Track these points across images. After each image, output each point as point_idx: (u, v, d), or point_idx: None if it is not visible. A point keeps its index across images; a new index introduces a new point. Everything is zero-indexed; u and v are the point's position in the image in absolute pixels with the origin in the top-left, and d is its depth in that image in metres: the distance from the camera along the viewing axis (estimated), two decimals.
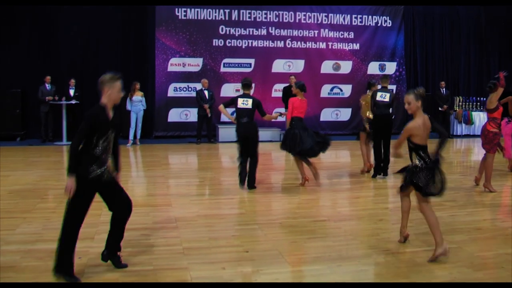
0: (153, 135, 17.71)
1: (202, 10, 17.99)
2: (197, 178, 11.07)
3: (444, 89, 18.84)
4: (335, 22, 19.09)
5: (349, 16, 19.18)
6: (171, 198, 8.72)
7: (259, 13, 18.46)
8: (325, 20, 19.02)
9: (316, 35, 18.96)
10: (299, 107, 9.70)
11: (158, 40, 17.71)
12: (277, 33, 18.64)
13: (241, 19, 18.34)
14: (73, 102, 16.31)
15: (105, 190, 5.13)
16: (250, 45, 18.46)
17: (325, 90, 19.26)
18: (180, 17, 17.84)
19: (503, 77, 9.05)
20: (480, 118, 19.20)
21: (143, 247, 5.88)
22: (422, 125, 5.64)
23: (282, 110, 16.86)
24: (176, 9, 17.79)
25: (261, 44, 18.54)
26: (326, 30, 19.02)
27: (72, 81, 16.60)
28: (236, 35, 18.33)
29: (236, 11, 18.24)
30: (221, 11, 18.14)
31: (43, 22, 17.20)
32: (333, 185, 10.38)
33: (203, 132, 16.85)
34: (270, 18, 18.58)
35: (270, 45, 18.62)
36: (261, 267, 5.36)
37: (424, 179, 5.53)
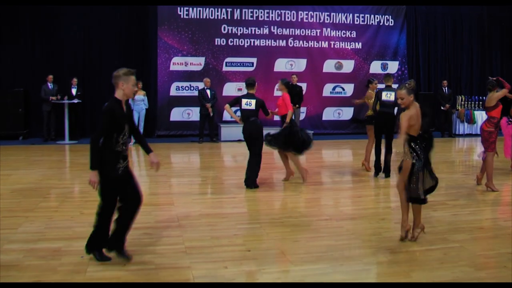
0: (155, 134, 17.72)
1: (204, 9, 17.98)
2: (199, 177, 11.08)
3: (446, 88, 18.81)
4: (337, 21, 19.07)
5: (351, 15, 19.15)
6: (173, 197, 8.72)
7: (261, 12, 18.44)
8: (327, 19, 19.00)
9: (318, 34, 18.94)
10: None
11: (160, 39, 17.72)
12: (279, 32, 18.63)
13: (243, 18, 18.32)
14: (75, 101, 16.32)
15: (125, 181, 5.36)
16: (252, 44, 18.45)
17: (327, 89, 19.24)
18: (182, 16, 17.83)
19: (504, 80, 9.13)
20: (482, 117, 19.11)
21: (145, 246, 5.89)
22: (416, 115, 5.88)
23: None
24: (178, 8, 17.79)
25: (263, 43, 18.53)
26: (328, 29, 19.00)
27: (74, 80, 16.61)
28: (238, 34, 18.32)
29: (238, 10, 18.23)
30: (223, 10, 18.13)
31: (45, 21, 17.21)
32: (335, 184, 10.39)
33: (205, 131, 16.85)
34: (272, 17, 18.56)
35: (272, 44, 18.61)
36: (263, 266, 5.36)
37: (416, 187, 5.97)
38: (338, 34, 19.11)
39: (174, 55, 17.83)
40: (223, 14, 18.15)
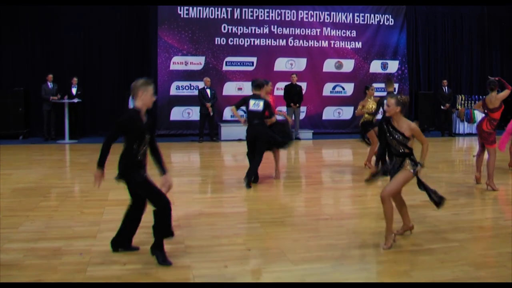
0: (155, 134, 17.68)
1: (204, 8, 17.97)
2: (200, 177, 11.08)
3: (446, 87, 18.82)
4: (337, 21, 19.06)
5: (351, 14, 19.14)
6: (173, 196, 8.69)
7: (261, 12, 18.43)
8: (327, 19, 18.99)
9: (318, 34, 18.93)
10: None
11: (160, 38, 17.71)
12: (280, 31, 18.62)
13: (243, 17, 18.31)
14: (76, 100, 16.32)
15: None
16: (252, 43, 18.45)
17: (327, 89, 19.23)
18: (182, 16, 17.83)
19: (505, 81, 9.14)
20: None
21: (146, 245, 5.87)
22: None
23: (284, 108, 16.91)
24: (178, 8, 17.78)
25: (263, 43, 18.53)
26: (329, 28, 19.00)
27: (75, 80, 16.61)
28: (239, 33, 18.32)
29: (238, 9, 18.21)
30: (223, 9, 18.12)
31: (45, 21, 17.20)
32: (336, 183, 10.39)
33: (205, 130, 16.85)
34: (272, 16, 18.56)
35: (273, 44, 18.60)
36: (263, 266, 5.37)
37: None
38: (338, 34, 19.10)
39: (174, 55, 17.83)
40: (223, 14, 18.14)
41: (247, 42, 18.40)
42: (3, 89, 16.82)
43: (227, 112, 18.04)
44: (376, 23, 19.39)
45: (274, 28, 18.56)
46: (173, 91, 17.84)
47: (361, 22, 19.26)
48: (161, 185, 5.53)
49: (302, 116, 18.37)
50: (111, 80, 17.82)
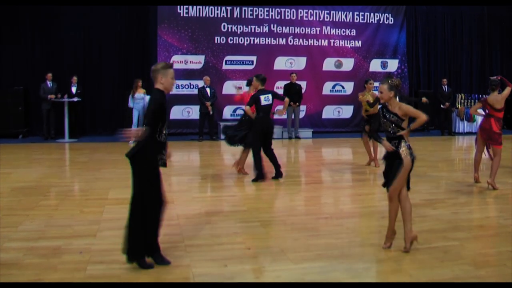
0: None
1: (204, 7, 17.96)
2: (199, 176, 11.07)
3: (446, 86, 18.82)
4: (337, 20, 19.06)
5: (351, 13, 19.14)
6: (173, 195, 8.70)
7: (261, 10, 18.42)
8: (327, 18, 18.98)
9: (318, 33, 18.93)
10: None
11: (160, 37, 17.71)
12: (279, 30, 18.61)
13: (243, 16, 18.30)
14: (75, 99, 16.32)
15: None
16: (252, 42, 18.44)
17: (327, 88, 19.23)
18: (182, 15, 17.82)
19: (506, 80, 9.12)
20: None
21: None
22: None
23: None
24: (178, 7, 17.77)
25: (263, 42, 18.52)
26: (328, 27, 18.99)
27: (74, 79, 16.60)
28: (238, 32, 18.31)
29: (238, 8, 18.21)
30: (223, 8, 18.12)
31: (45, 20, 17.19)
32: (335, 182, 10.39)
33: (205, 129, 16.85)
34: (272, 15, 18.54)
35: (272, 43, 18.59)
36: (263, 265, 5.37)
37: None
38: (338, 32, 19.10)
39: (174, 53, 17.82)
40: (223, 12, 18.14)
41: (246, 41, 18.39)
42: (3, 88, 16.82)
43: (227, 111, 18.06)
44: (376, 22, 19.39)
45: (273, 27, 18.55)
46: (172, 90, 17.75)
47: (361, 21, 19.26)
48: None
49: (301, 115, 18.37)
50: (111, 78, 17.82)
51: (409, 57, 20.00)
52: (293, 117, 17.44)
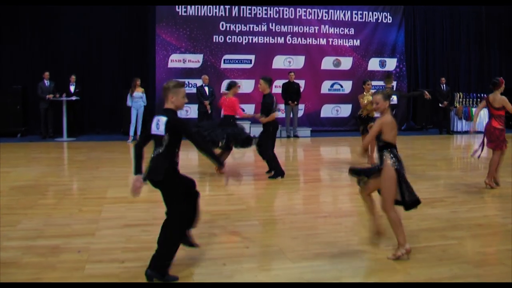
0: None
1: (202, 6, 17.96)
2: (198, 174, 11.05)
3: (444, 85, 18.83)
4: (335, 18, 19.07)
5: (349, 12, 19.15)
6: None
7: (259, 9, 18.43)
8: (325, 16, 18.99)
9: (316, 31, 18.93)
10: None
11: (158, 36, 17.70)
12: (278, 29, 18.61)
13: (241, 15, 18.31)
14: (74, 98, 16.30)
15: None
16: (250, 41, 18.44)
17: (326, 86, 19.24)
18: (180, 13, 17.82)
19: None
20: (480, 114, 19.19)
21: (144, 243, 5.87)
22: (391, 122, 5.58)
23: (282, 106, 16.94)
24: (177, 5, 17.77)
25: (261, 40, 18.52)
26: (327, 26, 19.00)
27: (73, 78, 16.59)
28: (237, 31, 18.31)
29: (237, 7, 18.21)
30: (221, 7, 18.11)
31: (43, 19, 17.17)
32: (334, 181, 10.41)
33: None
34: (270, 14, 18.55)
35: (271, 41, 18.59)
36: (261, 263, 5.37)
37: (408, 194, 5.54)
38: (336, 31, 19.11)
39: (172, 52, 17.82)
40: (221, 11, 18.14)
41: (245, 40, 18.39)
42: (2, 87, 16.80)
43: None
44: (374, 20, 19.40)
45: (272, 26, 18.55)
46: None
47: (359, 19, 19.27)
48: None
49: (300, 113, 18.37)
50: (109, 77, 17.81)
51: (408, 56, 20.01)
52: (291, 116, 17.44)
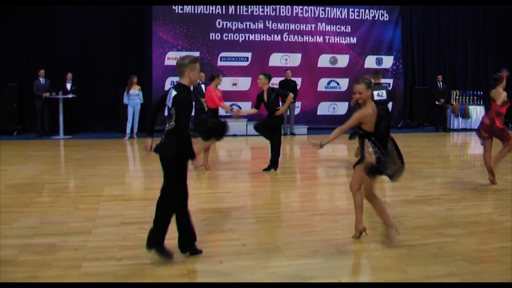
0: None
1: (199, 4, 17.94)
2: (194, 172, 11.05)
3: (441, 83, 18.85)
4: (332, 16, 19.07)
5: (346, 9, 19.15)
6: None
7: (256, 7, 18.42)
8: (322, 14, 18.99)
9: (313, 29, 18.93)
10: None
11: (155, 33, 17.68)
12: (274, 26, 18.61)
13: (238, 13, 18.30)
14: (70, 96, 16.28)
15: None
16: (247, 39, 18.43)
17: (322, 84, 19.25)
18: (177, 11, 17.80)
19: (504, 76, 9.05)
20: (477, 112, 19.27)
21: (140, 241, 5.85)
22: (372, 113, 5.64)
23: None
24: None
25: (258, 38, 18.52)
26: (323, 23, 19.00)
27: (69, 75, 16.58)
28: (233, 28, 18.30)
29: (233, 5, 18.19)
30: (218, 5, 18.09)
31: (40, 16, 17.14)
32: (330, 178, 10.41)
33: None
34: (267, 11, 18.55)
35: (267, 39, 18.60)
36: (258, 261, 5.36)
37: (389, 168, 5.65)
38: (333, 29, 19.11)
39: (169, 50, 17.80)
40: (218, 9, 18.12)
41: (241, 37, 18.39)
42: None
43: (222, 108, 17.99)
44: (371, 18, 19.42)
45: (268, 24, 18.55)
46: (168, 87, 17.75)
47: (356, 17, 19.29)
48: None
49: (297, 111, 18.39)
50: (105, 75, 17.78)
51: (404, 53, 20.03)
52: (288, 113, 17.44)
